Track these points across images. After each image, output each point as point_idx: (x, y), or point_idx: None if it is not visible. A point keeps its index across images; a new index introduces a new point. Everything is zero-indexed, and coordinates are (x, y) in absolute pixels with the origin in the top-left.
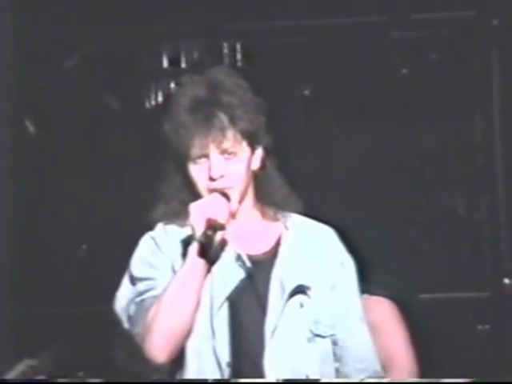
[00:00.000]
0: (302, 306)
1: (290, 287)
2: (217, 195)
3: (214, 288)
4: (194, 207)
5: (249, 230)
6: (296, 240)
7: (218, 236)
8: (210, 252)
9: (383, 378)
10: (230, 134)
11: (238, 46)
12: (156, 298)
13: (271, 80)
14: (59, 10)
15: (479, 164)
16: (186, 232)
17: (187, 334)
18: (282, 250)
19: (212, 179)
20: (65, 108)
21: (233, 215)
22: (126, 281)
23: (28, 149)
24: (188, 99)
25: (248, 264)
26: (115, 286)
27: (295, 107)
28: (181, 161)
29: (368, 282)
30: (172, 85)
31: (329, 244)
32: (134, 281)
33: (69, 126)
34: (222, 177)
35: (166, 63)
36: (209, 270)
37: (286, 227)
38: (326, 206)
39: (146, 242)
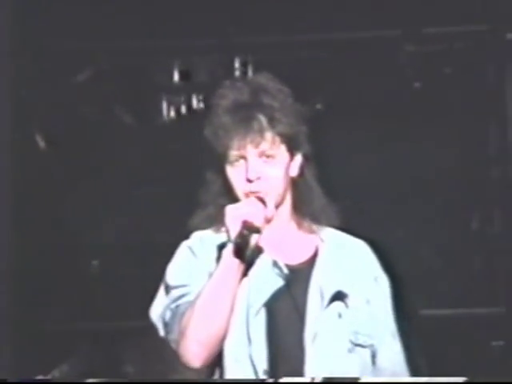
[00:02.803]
0: (340, 316)
1: (329, 293)
2: (253, 199)
3: (250, 295)
4: (229, 209)
5: (285, 239)
6: (332, 252)
7: (254, 239)
8: (245, 252)
9: None
10: (269, 135)
11: (250, 61)
12: (190, 303)
13: None
14: (70, 24)
15: (493, 177)
16: (221, 237)
17: (222, 339)
18: (319, 261)
19: (249, 181)
20: (76, 122)
21: (268, 221)
22: (161, 290)
23: (38, 163)
24: (228, 102)
25: (285, 271)
26: (126, 301)
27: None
28: (219, 164)
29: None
30: (182, 99)
31: (363, 258)
32: (169, 289)
33: (80, 140)
34: (258, 179)
35: (177, 78)
36: (244, 274)
37: (322, 239)
38: (359, 219)
39: (181, 251)
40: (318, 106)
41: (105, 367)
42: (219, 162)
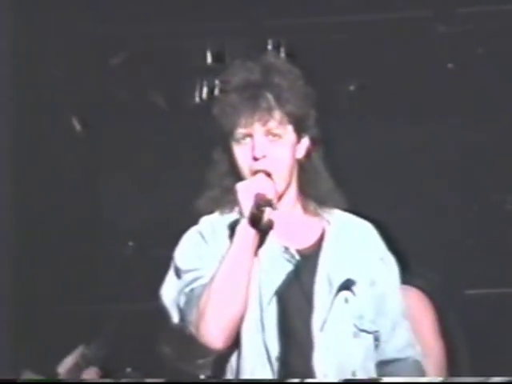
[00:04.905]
0: (346, 301)
1: (338, 281)
2: (262, 175)
3: (262, 282)
4: (240, 185)
5: (292, 223)
6: (338, 235)
7: (267, 212)
8: (260, 223)
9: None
10: (277, 114)
11: (283, 43)
12: (205, 286)
13: (316, 76)
14: (105, 8)
15: None
16: (227, 219)
17: (240, 319)
18: (325, 245)
19: (255, 159)
20: (111, 106)
21: (279, 197)
22: (171, 274)
23: (75, 147)
24: (238, 80)
25: (297, 257)
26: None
27: (341, 103)
28: (225, 143)
29: (409, 276)
30: (216, 81)
31: (369, 239)
32: (180, 273)
33: (115, 123)
34: (264, 157)
35: (210, 60)
36: (255, 254)
37: (328, 222)
38: (369, 202)
39: (191, 235)
40: (351, 88)
41: (142, 348)
42: (226, 141)
